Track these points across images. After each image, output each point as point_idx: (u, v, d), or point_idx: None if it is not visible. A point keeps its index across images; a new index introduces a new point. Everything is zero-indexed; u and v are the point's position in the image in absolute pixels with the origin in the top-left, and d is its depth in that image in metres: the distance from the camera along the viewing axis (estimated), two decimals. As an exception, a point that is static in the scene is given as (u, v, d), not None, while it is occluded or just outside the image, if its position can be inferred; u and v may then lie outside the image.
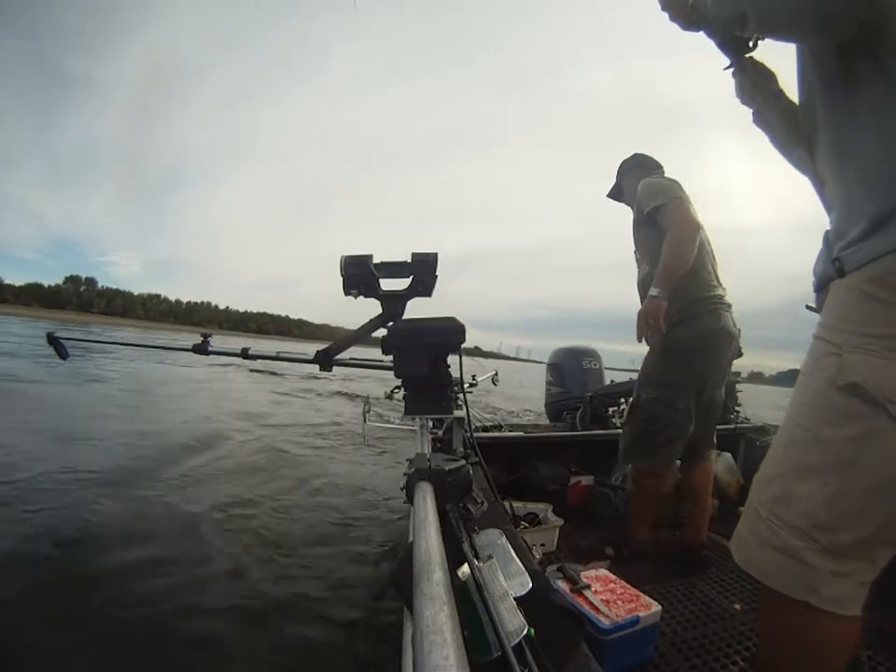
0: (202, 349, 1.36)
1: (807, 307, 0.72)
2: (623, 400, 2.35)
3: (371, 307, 1.07)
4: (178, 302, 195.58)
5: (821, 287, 0.68)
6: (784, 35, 0.65)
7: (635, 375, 1.67)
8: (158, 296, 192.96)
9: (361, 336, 1.15)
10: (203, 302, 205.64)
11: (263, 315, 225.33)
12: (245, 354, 1.36)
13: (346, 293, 1.06)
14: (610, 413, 2.42)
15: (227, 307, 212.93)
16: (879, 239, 0.55)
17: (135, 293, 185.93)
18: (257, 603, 1.69)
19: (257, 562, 1.97)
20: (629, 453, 1.59)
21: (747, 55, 0.77)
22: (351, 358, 1.29)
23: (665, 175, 1.66)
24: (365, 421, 1.73)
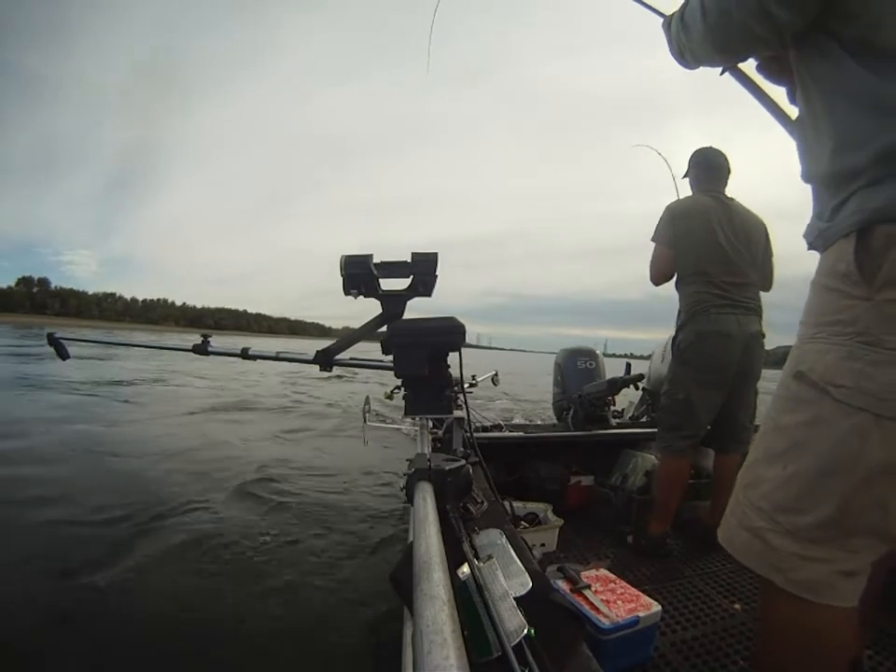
0: (202, 349, 1.36)
1: None
2: (610, 398, 2.34)
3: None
4: (134, 300, 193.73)
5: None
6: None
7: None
8: (113, 294, 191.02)
9: (361, 336, 1.15)
10: (159, 300, 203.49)
11: (221, 310, 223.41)
12: (244, 354, 1.36)
13: (346, 293, 1.06)
14: (611, 412, 2.40)
15: (184, 303, 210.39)
16: (831, 228, 0.58)
17: (90, 293, 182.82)
18: (255, 602, 1.69)
19: (253, 562, 1.97)
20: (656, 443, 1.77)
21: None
22: (351, 358, 1.28)
23: (713, 177, 1.71)
24: (365, 421, 1.72)
